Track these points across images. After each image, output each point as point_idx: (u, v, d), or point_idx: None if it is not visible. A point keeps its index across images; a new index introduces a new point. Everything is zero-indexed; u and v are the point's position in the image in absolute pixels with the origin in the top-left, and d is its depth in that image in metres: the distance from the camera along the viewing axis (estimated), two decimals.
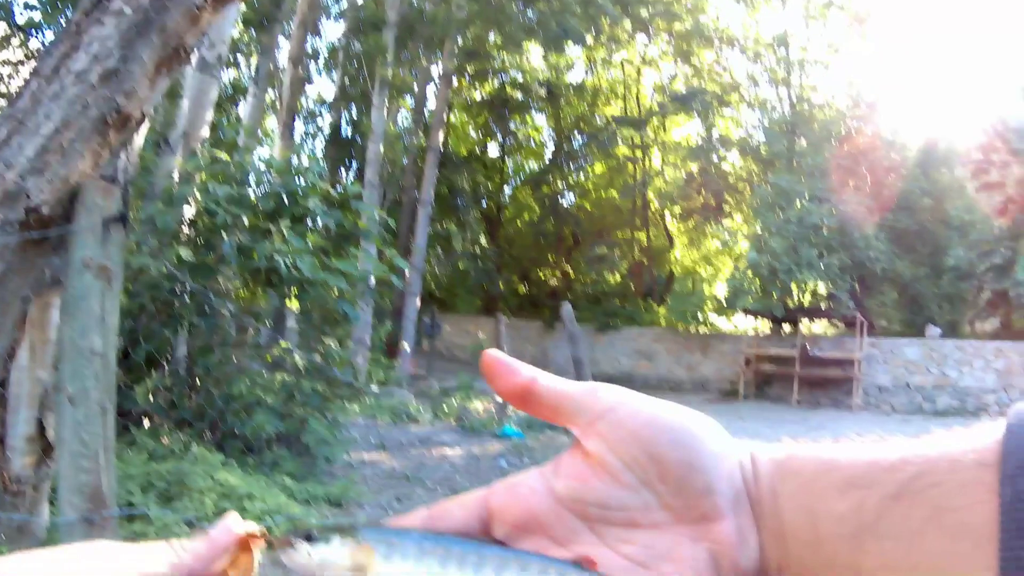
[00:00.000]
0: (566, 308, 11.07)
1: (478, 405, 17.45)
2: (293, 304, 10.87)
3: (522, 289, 36.50)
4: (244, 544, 0.60)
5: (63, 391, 3.14)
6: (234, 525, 0.60)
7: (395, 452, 11.80)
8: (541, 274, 36.28)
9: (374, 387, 15.27)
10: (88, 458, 3.14)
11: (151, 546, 0.59)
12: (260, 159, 9.90)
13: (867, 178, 23.66)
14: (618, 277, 33.92)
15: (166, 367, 8.37)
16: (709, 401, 22.78)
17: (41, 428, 3.87)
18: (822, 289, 24.03)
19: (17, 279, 3.51)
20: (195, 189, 8.26)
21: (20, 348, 3.78)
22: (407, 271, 19.57)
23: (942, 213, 22.43)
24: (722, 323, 30.38)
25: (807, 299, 25.41)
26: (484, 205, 35.62)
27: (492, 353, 0.65)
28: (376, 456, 11.28)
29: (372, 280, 10.02)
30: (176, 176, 8.52)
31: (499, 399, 16.27)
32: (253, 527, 0.61)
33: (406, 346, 20.77)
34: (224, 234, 7.86)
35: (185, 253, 7.59)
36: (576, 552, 0.57)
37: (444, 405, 16.69)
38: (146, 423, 7.92)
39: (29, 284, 3.63)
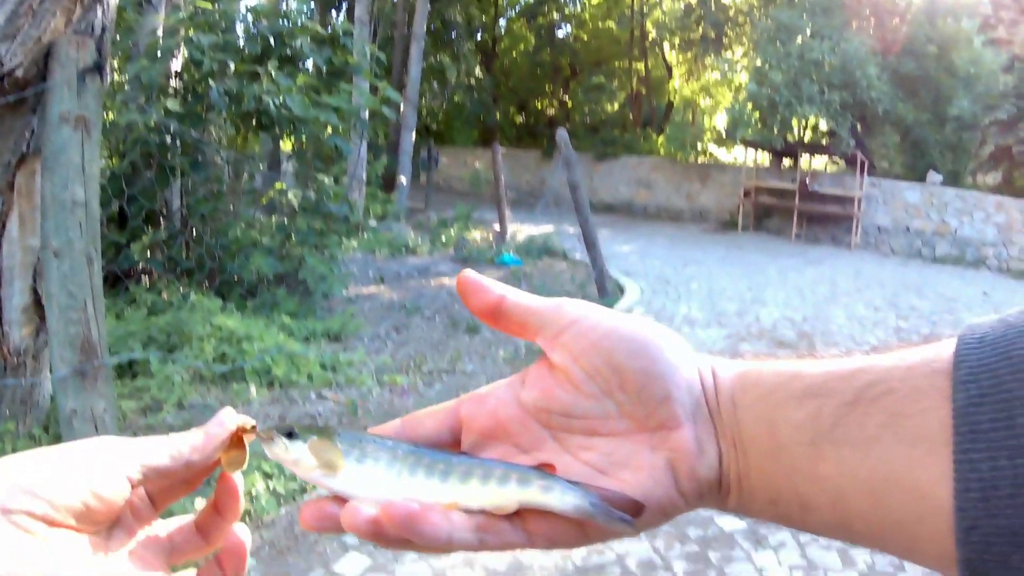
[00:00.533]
0: (561, 132, 11.00)
1: (476, 235, 17.54)
2: (287, 146, 10.83)
3: (519, 120, 36.14)
4: (237, 437, 0.64)
5: (48, 247, 3.14)
6: (228, 419, 0.64)
7: (393, 284, 11.93)
8: (538, 104, 35.80)
9: (372, 221, 15.23)
10: (76, 309, 3.17)
11: (153, 439, 0.61)
12: (246, 7, 9.69)
13: (871, 20, 23.09)
14: (616, 107, 33.47)
15: (162, 222, 8.42)
16: (707, 231, 22.83)
17: (36, 297, 3.91)
18: (823, 126, 23.74)
19: None
20: (180, 42, 8.16)
21: (9, 220, 3.78)
22: (402, 105, 19.35)
23: (947, 62, 21.72)
24: (722, 155, 30.19)
25: (807, 135, 25.18)
26: (479, 38, 34.73)
27: (466, 274, 0.68)
28: (374, 289, 11.40)
29: (365, 114, 9.95)
30: (160, 32, 8.38)
31: (497, 227, 16.43)
32: (247, 420, 0.64)
33: (403, 180, 20.68)
34: (211, 81, 7.78)
35: (173, 105, 7.52)
36: (538, 459, 0.61)
37: (442, 236, 16.76)
38: (145, 281, 8.00)
39: (11, 150, 3.64)
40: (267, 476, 4.79)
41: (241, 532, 0.65)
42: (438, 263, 14.07)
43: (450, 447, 0.64)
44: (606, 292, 10.99)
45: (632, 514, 0.57)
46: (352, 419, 6.18)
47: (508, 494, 0.58)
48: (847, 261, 18.00)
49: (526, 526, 0.59)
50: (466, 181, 29.09)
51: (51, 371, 3.85)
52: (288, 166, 10.47)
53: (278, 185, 9.65)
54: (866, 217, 20.90)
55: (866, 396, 0.53)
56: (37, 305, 3.91)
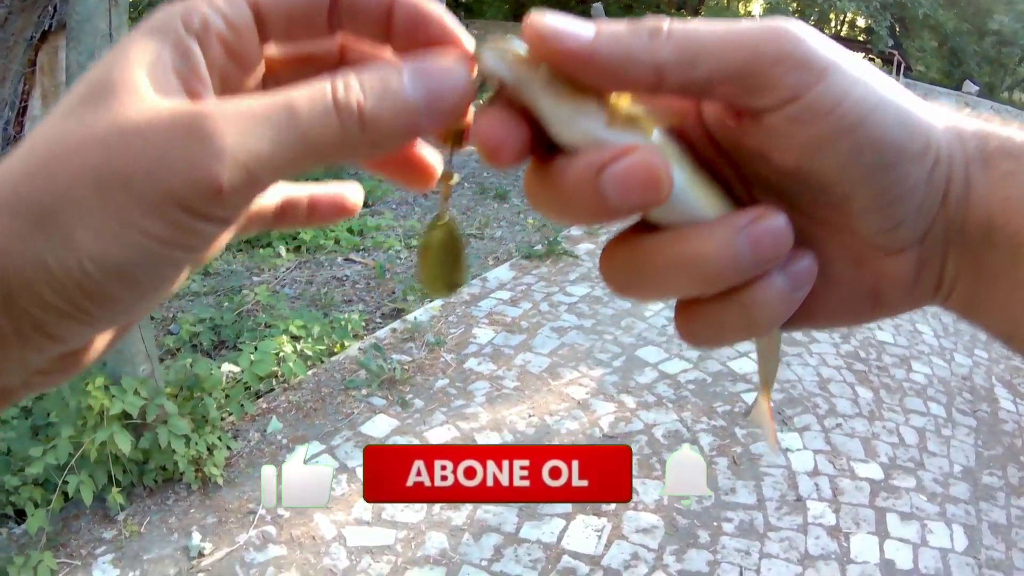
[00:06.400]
0: (596, 6, 10.88)
1: None
2: None
3: None
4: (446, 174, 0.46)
5: None
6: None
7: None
8: None
9: None
10: None
11: None
12: None
13: None
14: None
15: None
16: None
17: None
18: (860, 22, 23.46)
19: (20, 20, 3.44)
20: None
21: (32, 97, 3.78)
22: None
23: None
24: None
25: (844, 29, 24.84)
26: None
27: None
28: None
29: None
30: None
31: None
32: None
33: None
34: None
35: None
36: None
37: None
38: None
39: (34, 25, 3.58)
40: (295, 339, 4.81)
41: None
42: None
43: None
44: None
45: None
46: (380, 281, 6.22)
47: None
48: None
49: None
50: None
51: None
52: None
53: None
54: None
55: None
56: None
